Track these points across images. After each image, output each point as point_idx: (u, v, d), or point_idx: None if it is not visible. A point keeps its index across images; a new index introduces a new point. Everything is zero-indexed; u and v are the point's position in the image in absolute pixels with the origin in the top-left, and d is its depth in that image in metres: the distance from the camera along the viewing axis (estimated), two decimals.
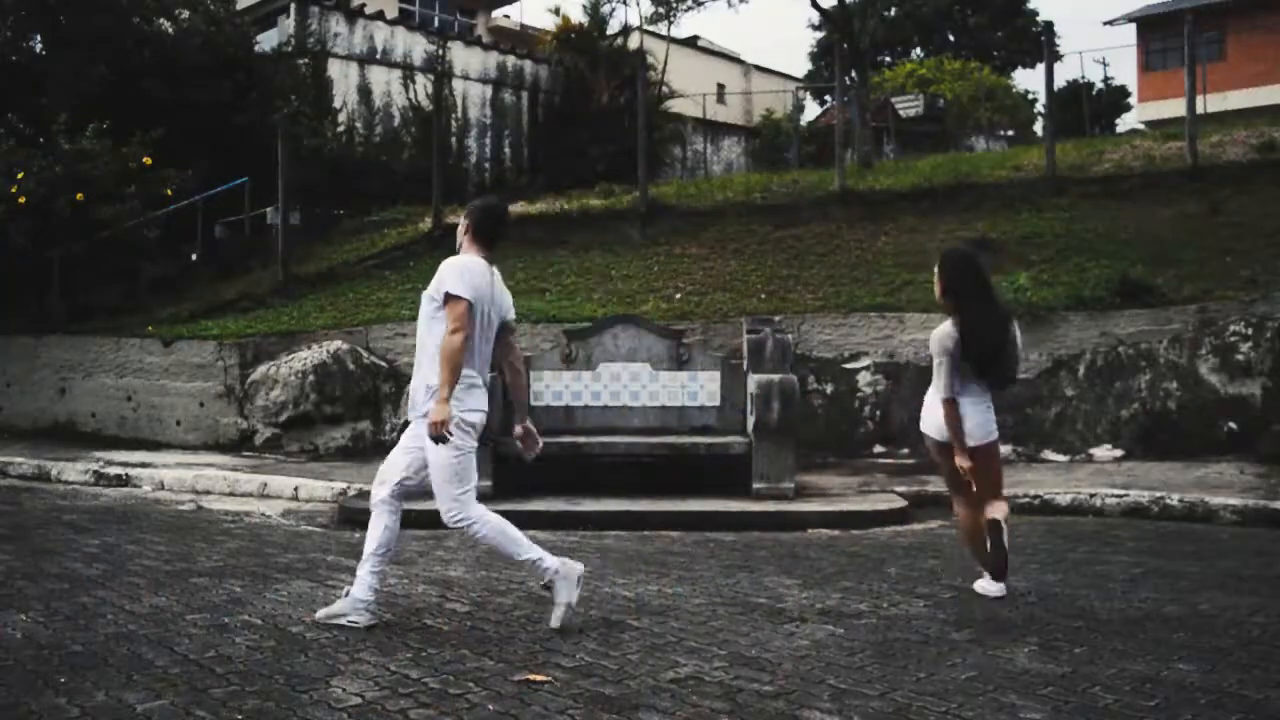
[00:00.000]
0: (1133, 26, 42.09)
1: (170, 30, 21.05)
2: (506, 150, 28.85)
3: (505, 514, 8.42)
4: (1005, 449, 11.92)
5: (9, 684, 4.73)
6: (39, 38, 20.41)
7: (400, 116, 26.02)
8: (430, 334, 5.73)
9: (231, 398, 14.24)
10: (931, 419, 6.52)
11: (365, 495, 10.20)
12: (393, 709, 4.39)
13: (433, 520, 9.11)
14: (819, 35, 51.93)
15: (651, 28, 36.05)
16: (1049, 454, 11.84)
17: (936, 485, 10.36)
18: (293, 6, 25.02)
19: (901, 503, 9.52)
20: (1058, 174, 15.89)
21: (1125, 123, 43.03)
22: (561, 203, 18.42)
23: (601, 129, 26.83)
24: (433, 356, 5.65)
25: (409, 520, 9.18)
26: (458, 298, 5.59)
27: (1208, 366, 11.58)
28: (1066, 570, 7.16)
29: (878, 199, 16.39)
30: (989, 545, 6.35)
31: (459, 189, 23.51)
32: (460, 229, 5.97)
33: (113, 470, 12.17)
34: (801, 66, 56.34)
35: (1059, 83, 31.33)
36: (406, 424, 6.05)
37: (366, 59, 26.01)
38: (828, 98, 39.92)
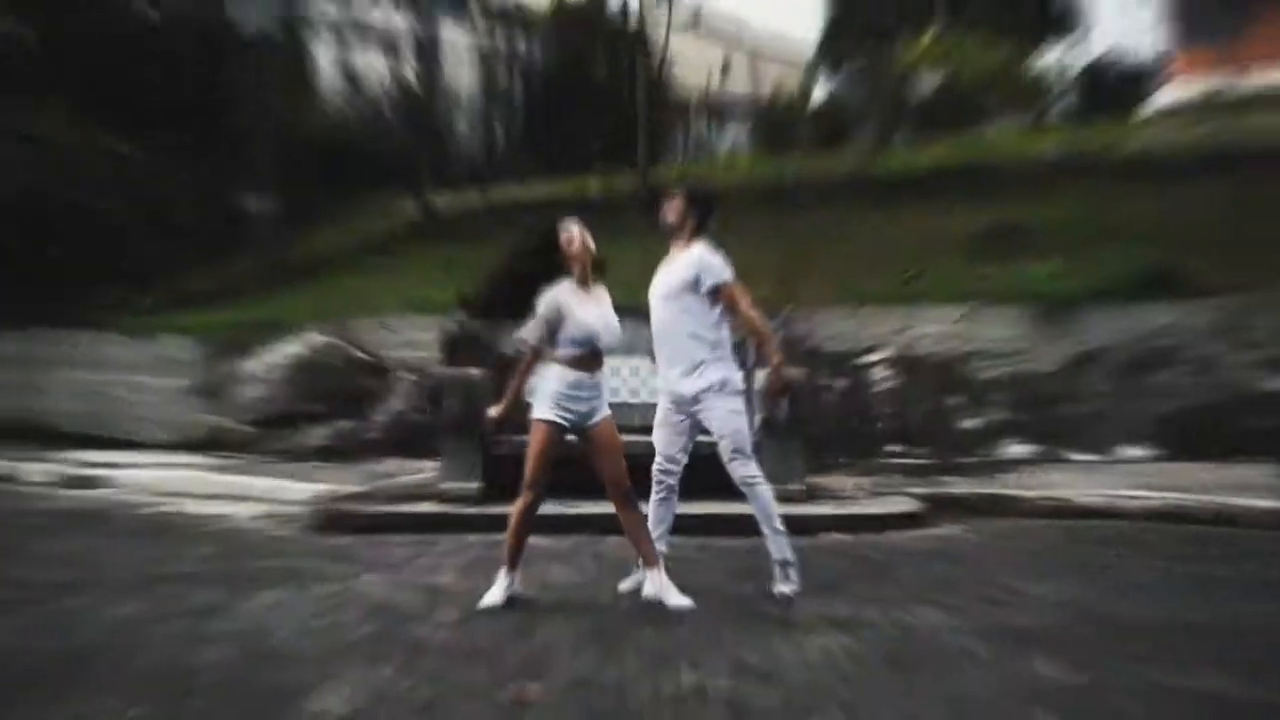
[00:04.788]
0: (1168, 1, 41.95)
1: (151, 13, 21.12)
2: (499, 131, 28.81)
3: (497, 517, 8.48)
4: (1026, 448, 11.98)
5: None
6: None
7: (387, 98, 25.97)
8: (688, 319, 6.57)
9: (206, 394, 14.25)
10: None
11: (349, 498, 10.27)
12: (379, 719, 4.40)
13: (420, 524, 9.21)
14: (832, 13, 51.75)
15: (652, 4, 35.94)
16: (1075, 454, 11.85)
17: (955, 487, 10.38)
18: None
19: (917, 506, 9.52)
20: (1080, 157, 15.85)
21: (1157, 102, 42.91)
22: (555, 186, 18.38)
23: (599, 109, 26.82)
24: (692, 338, 6.55)
25: (400, 524, 9.28)
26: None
27: (1242, 362, 11.59)
28: (1090, 576, 7.16)
29: (890, 183, 16.37)
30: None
31: (449, 171, 23.52)
32: (686, 213, 6.72)
33: (83, 471, 12.19)
34: (812, 46, 56.16)
35: (1087, 60, 31.21)
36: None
37: (352, 37, 25.96)
38: (839, 78, 39.82)
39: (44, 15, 19.69)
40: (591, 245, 6.37)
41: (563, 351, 6.29)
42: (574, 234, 6.36)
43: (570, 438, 6.44)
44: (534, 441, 6.33)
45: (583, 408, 6.33)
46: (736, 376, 6.69)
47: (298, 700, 4.70)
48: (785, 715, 4.53)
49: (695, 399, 6.58)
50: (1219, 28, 18.82)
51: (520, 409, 6.44)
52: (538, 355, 6.33)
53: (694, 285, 6.56)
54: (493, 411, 6.39)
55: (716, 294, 6.59)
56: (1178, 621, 5.97)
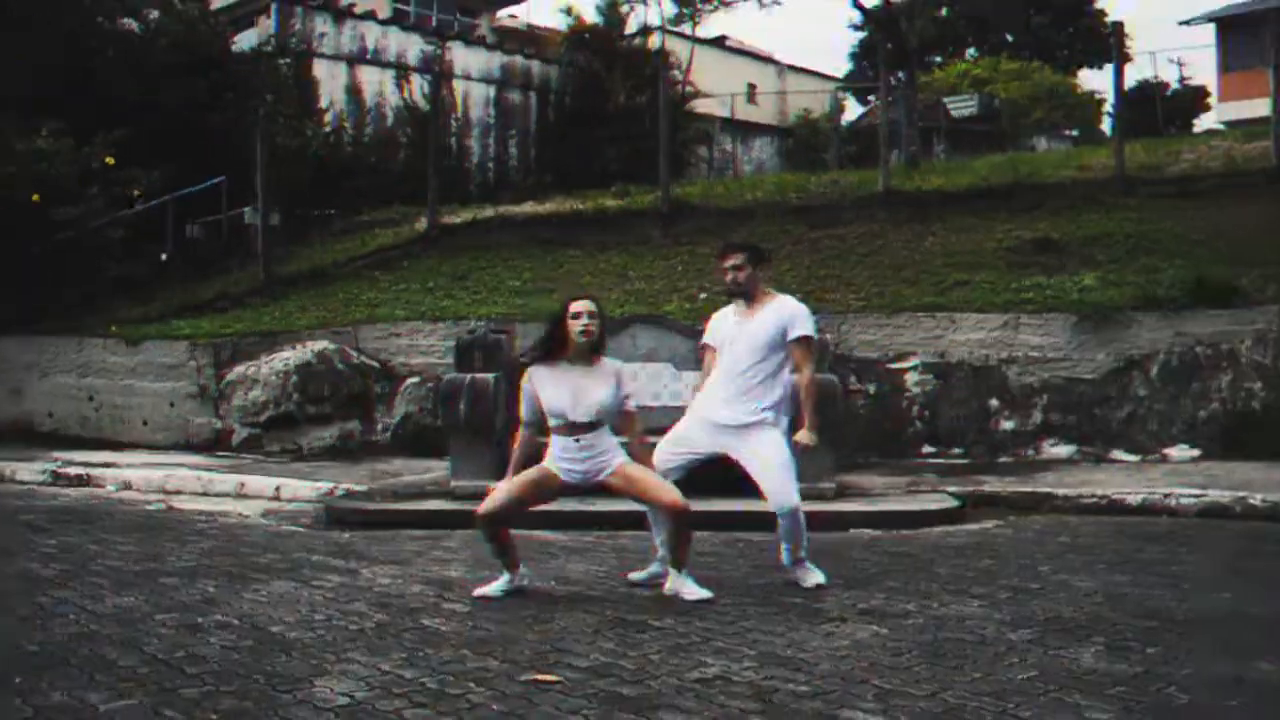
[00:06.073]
0: (1212, 26, 42.19)
1: (137, 29, 21.40)
2: (512, 150, 29.16)
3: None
4: (1068, 448, 12.01)
5: None
6: None
7: (394, 116, 26.35)
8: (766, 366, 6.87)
9: (205, 398, 14.41)
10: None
11: (354, 495, 10.30)
12: (385, 709, 4.40)
13: (431, 520, 9.22)
14: (861, 35, 52.09)
15: (674, 28, 36.33)
16: (1118, 454, 11.90)
17: (992, 485, 10.37)
18: (273, 7, 25.53)
19: (952, 502, 9.60)
20: (1127, 174, 15.96)
21: (1204, 123, 43.04)
22: (573, 203, 18.53)
23: (618, 129, 27.13)
24: (769, 380, 6.88)
25: (406, 520, 9.30)
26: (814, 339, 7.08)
27: None
28: (1137, 570, 7.13)
29: (925, 199, 16.47)
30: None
31: (459, 189, 23.78)
32: (750, 266, 6.98)
33: (72, 470, 12.26)
34: (843, 67, 56.53)
35: (1130, 82, 31.40)
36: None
37: (356, 59, 26.39)
38: (871, 98, 40.08)
39: (18, 22, 19.89)
40: (593, 330, 6.59)
41: (549, 422, 6.60)
42: (579, 314, 6.60)
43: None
44: (529, 473, 6.62)
45: (580, 467, 6.55)
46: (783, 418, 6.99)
47: (300, 688, 4.70)
48: (814, 702, 4.52)
49: (744, 428, 6.82)
50: (1267, 50, 18.90)
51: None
52: (529, 431, 6.74)
53: (782, 335, 6.86)
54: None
55: (796, 343, 6.89)
56: (1232, 614, 5.95)
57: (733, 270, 6.93)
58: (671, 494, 6.50)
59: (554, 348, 6.59)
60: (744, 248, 7.06)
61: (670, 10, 36.27)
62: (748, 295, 6.97)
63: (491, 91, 28.96)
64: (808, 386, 6.92)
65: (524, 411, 6.65)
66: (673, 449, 6.97)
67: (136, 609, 6.15)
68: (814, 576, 6.81)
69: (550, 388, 6.51)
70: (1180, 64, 47.77)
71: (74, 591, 6.60)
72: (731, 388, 6.86)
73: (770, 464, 6.74)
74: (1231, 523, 9.13)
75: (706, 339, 7.20)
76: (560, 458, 6.54)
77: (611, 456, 6.56)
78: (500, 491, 6.55)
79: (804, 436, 6.81)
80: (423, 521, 9.23)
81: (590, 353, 6.58)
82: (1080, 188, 16.17)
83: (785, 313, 6.89)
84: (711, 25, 39.28)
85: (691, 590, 6.49)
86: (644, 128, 24.45)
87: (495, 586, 6.57)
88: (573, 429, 6.49)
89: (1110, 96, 24.48)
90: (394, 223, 19.15)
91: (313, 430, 13.81)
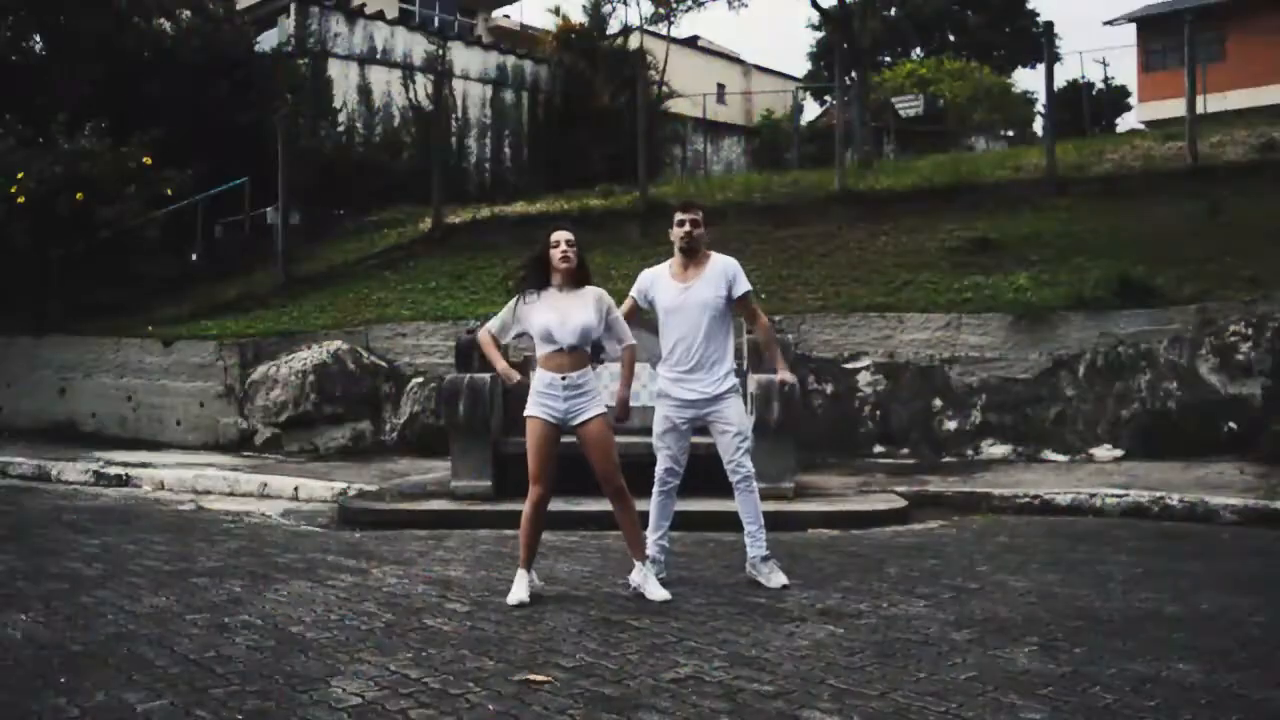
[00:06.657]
0: (1133, 26, 42.15)
1: (170, 30, 21.08)
2: (507, 150, 28.84)
3: (506, 514, 8.50)
4: (1005, 449, 11.96)
5: (9, 684, 4.73)
6: (38, 38, 20.41)
7: (400, 116, 25.96)
8: (718, 326, 6.81)
9: (231, 398, 14.26)
10: None
11: (365, 495, 10.25)
12: (393, 709, 4.38)
13: (433, 520, 9.19)
14: (819, 35, 51.84)
15: (651, 28, 36.03)
16: (1049, 454, 11.82)
17: (936, 485, 10.37)
18: (293, 6, 24.97)
19: (901, 503, 9.51)
20: (1058, 174, 15.87)
21: (1125, 122, 43.00)
22: (561, 202, 18.42)
23: (602, 129, 26.79)
24: (721, 343, 6.84)
25: (411, 520, 9.26)
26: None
27: (1208, 366, 11.56)
28: (1066, 570, 7.14)
29: (878, 199, 16.38)
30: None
31: (459, 189, 23.51)
32: (703, 226, 6.87)
33: (113, 470, 12.18)
34: (801, 66, 56.29)
35: (1059, 83, 31.26)
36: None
37: (366, 59, 25.97)
38: (828, 98, 39.89)
39: (57, 25, 19.67)
40: (571, 256, 6.44)
41: (537, 352, 6.47)
42: (559, 243, 6.47)
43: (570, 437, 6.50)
44: (528, 438, 6.43)
45: (561, 405, 6.35)
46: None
47: (317, 688, 4.67)
48: (777, 702, 4.50)
49: (717, 399, 6.74)
50: (1183, 55, 18.90)
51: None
52: (494, 339, 6.57)
53: (727, 294, 6.78)
54: (515, 376, 6.69)
55: (741, 301, 6.87)
56: (1151, 614, 5.95)
57: (692, 226, 6.78)
58: (611, 467, 6.41)
59: (540, 275, 6.48)
60: (701, 207, 7.00)
61: (648, 9, 35.98)
62: (696, 253, 6.85)
63: (488, 92, 28.55)
64: (768, 331, 7.08)
65: (494, 323, 6.55)
66: (665, 444, 6.89)
67: (170, 609, 6.14)
68: (779, 577, 6.73)
69: (538, 312, 6.37)
70: (1105, 64, 47.78)
71: (113, 591, 6.58)
72: (696, 357, 6.75)
73: (739, 434, 6.74)
74: (1150, 522, 9.13)
75: (635, 294, 7.06)
76: (541, 395, 6.37)
77: (590, 403, 6.41)
78: (534, 466, 6.39)
79: (787, 375, 6.95)
80: (426, 522, 9.15)
81: (573, 281, 6.47)
82: (1015, 187, 16.10)
83: (729, 270, 6.81)
84: (684, 26, 39.05)
85: (655, 591, 6.39)
86: (625, 128, 24.18)
87: (523, 590, 6.35)
88: (559, 360, 6.34)
89: (1042, 96, 24.37)
90: (399, 223, 18.98)
91: (328, 430, 13.71)
